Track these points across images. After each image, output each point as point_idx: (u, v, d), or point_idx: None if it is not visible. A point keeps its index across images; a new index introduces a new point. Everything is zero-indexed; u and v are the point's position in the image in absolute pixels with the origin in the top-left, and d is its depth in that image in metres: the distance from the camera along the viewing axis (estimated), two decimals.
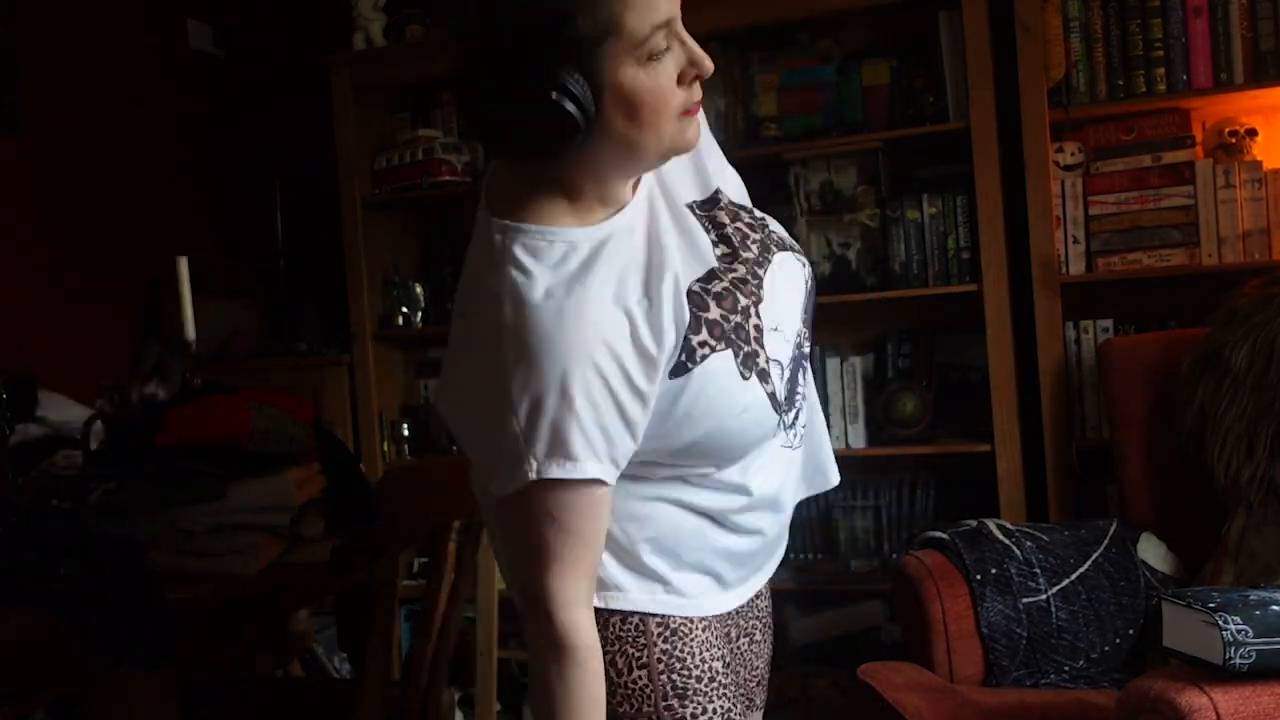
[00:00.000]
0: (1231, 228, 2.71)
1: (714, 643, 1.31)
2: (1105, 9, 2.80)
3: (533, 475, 1.13)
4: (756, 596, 1.41)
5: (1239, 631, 1.62)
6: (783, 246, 1.34)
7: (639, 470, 1.23)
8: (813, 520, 3.20)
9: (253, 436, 1.98)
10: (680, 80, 1.16)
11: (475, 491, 1.34)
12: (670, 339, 1.18)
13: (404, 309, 3.52)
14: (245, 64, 3.96)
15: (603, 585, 1.26)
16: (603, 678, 1.21)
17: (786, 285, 1.32)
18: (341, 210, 3.49)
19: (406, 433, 3.55)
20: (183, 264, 2.47)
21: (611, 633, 1.26)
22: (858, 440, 3.06)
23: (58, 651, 1.68)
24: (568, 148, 1.14)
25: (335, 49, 3.48)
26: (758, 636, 1.42)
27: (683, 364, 1.19)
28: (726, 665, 1.32)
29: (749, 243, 1.30)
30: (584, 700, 1.18)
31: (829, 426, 3.06)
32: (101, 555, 1.72)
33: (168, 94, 3.72)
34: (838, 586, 3.05)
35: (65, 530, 1.77)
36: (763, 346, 1.26)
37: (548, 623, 1.17)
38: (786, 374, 1.30)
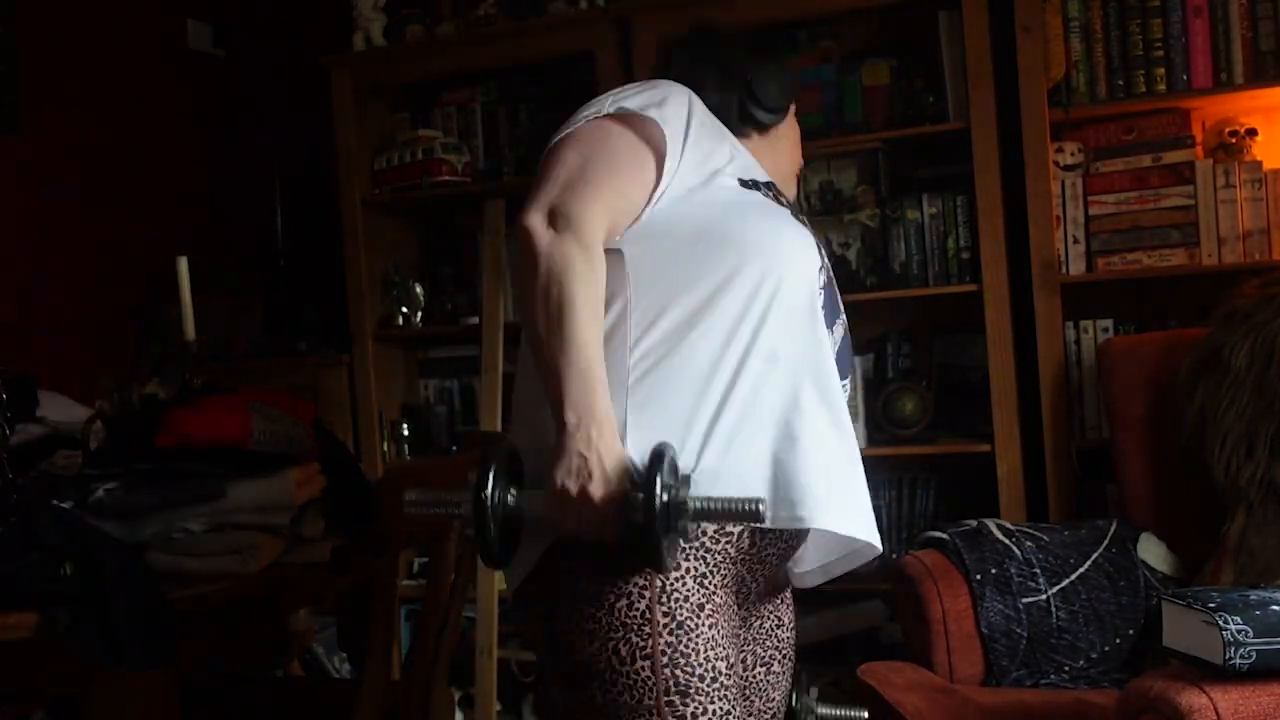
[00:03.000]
0: (1231, 228, 2.71)
1: (719, 641, 1.30)
2: (1105, 9, 2.80)
3: (608, 107, 1.36)
4: (778, 627, 1.41)
5: (1239, 631, 1.62)
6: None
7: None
8: None
9: (253, 436, 1.98)
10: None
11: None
12: (744, 159, 1.46)
13: (404, 309, 3.52)
14: (245, 64, 3.96)
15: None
16: (603, 295, 1.29)
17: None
18: (341, 210, 3.49)
19: (406, 433, 3.55)
20: (183, 264, 2.46)
21: (617, 618, 1.25)
22: (858, 440, 3.05)
23: (58, 651, 1.68)
24: (762, 123, 1.56)
25: (335, 49, 3.47)
26: (775, 668, 1.42)
27: (747, 183, 1.42)
28: (730, 666, 1.32)
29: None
30: (601, 299, 1.27)
31: None
32: (101, 555, 1.72)
33: (168, 94, 3.72)
34: (838, 586, 3.04)
35: (65, 530, 1.76)
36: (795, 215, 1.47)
37: (577, 229, 1.27)
38: (827, 289, 1.43)
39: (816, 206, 3.07)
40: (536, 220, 1.28)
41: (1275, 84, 2.69)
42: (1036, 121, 2.78)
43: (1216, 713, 1.59)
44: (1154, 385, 2.53)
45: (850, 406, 3.10)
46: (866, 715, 1.44)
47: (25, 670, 1.76)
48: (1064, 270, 2.82)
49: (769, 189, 1.45)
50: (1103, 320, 2.86)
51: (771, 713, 1.43)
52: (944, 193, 2.96)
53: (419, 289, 3.53)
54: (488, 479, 1.21)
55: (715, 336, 1.29)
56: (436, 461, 3.30)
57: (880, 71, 3.06)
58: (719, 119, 1.50)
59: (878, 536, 1.38)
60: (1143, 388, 2.55)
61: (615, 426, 1.23)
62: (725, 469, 1.27)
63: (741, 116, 1.53)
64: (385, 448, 3.52)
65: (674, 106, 1.38)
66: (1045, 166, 2.79)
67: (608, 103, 1.37)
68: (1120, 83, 2.80)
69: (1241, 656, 1.62)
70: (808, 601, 3.16)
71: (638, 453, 1.24)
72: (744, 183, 1.41)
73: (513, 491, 1.25)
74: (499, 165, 3.47)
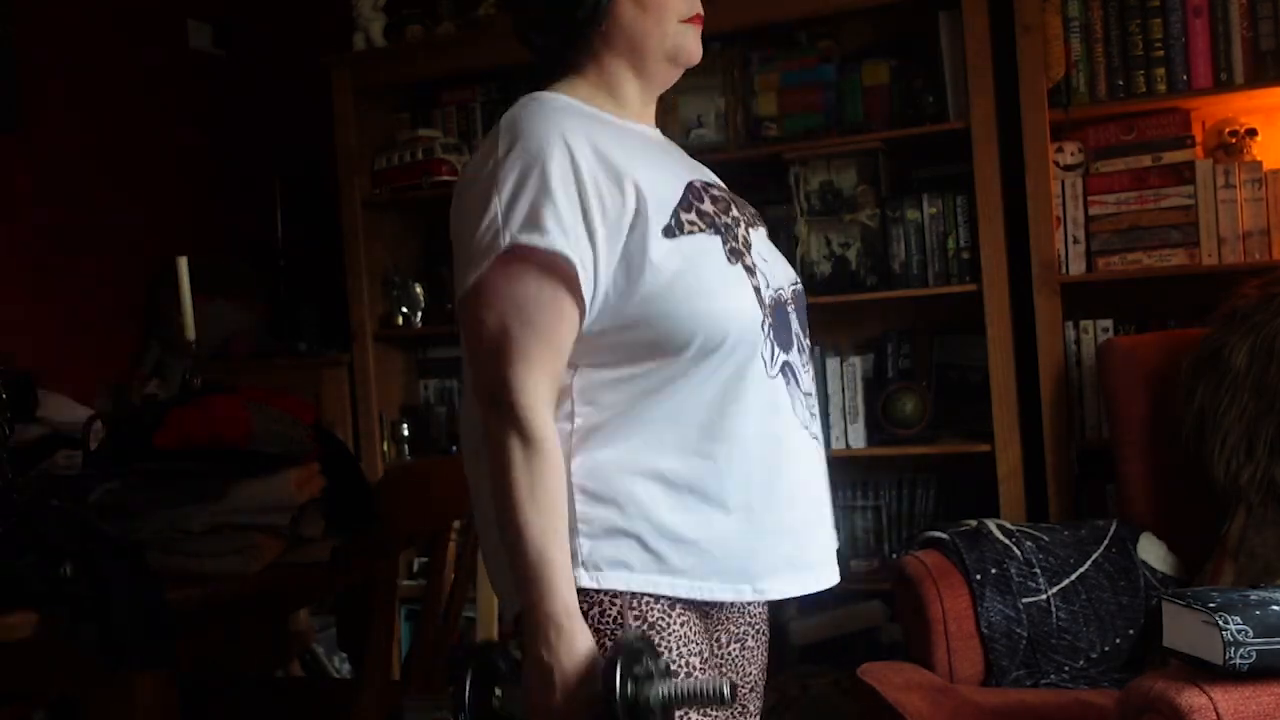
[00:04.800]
0: (1231, 228, 2.71)
1: (692, 637, 1.30)
2: (1105, 9, 2.80)
3: (505, 243, 1.22)
4: (748, 602, 1.40)
5: (1239, 631, 1.62)
6: (758, 224, 1.44)
7: (618, 360, 1.27)
8: None
9: (253, 436, 1.98)
10: None
11: (461, 431, 1.38)
12: (654, 191, 1.27)
13: (404, 309, 3.52)
14: (245, 64, 3.96)
15: (590, 564, 1.26)
16: (563, 472, 1.24)
17: (770, 250, 1.41)
18: (341, 210, 3.49)
19: (406, 433, 3.55)
20: (183, 264, 2.47)
21: (590, 624, 1.25)
22: (858, 440, 3.06)
23: (58, 651, 1.69)
24: (580, 24, 1.33)
25: (335, 49, 3.47)
26: (749, 643, 1.41)
27: (670, 228, 1.27)
28: (704, 661, 1.31)
29: (742, 208, 1.41)
30: (550, 489, 1.22)
31: (828, 426, 3.09)
32: (101, 555, 1.72)
33: (168, 94, 3.72)
34: (838, 586, 3.04)
35: (65, 530, 1.76)
36: (749, 251, 1.33)
37: (512, 416, 1.22)
38: (772, 297, 1.33)
39: (816, 206, 3.07)
40: (480, 402, 1.26)
41: (1275, 84, 2.69)
42: (1036, 121, 2.78)
43: (1216, 713, 1.59)
44: (1154, 385, 2.53)
45: (850, 407, 3.11)
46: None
47: (25, 670, 1.76)
48: (1064, 270, 2.82)
49: (687, 204, 1.30)
50: (1103, 320, 2.86)
51: (749, 686, 1.42)
52: (944, 193, 2.96)
53: (419, 289, 3.53)
54: (463, 695, 1.22)
55: (660, 429, 1.28)
56: (436, 462, 3.30)
57: (880, 71, 3.06)
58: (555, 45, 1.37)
59: (834, 571, 1.41)
60: (1143, 388, 2.55)
61: (575, 617, 1.21)
62: (690, 554, 1.28)
63: (571, 26, 1.34)
64: (385, 448, 3.52)
65: (560, 182, 1.23)
66: (1045, 166, 2.79)
67: (496, 226, 1.23)
68: (1120, 83, 2.80)
69: (1241, 656, 1.62)
70: (807, 602, 3.16)
71: (600, 549, 1.25)
72: (667, 230, 1.26)
73: (498, 693, 1.25)
74: None
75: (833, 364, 3.08)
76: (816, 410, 1.41)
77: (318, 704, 2.38)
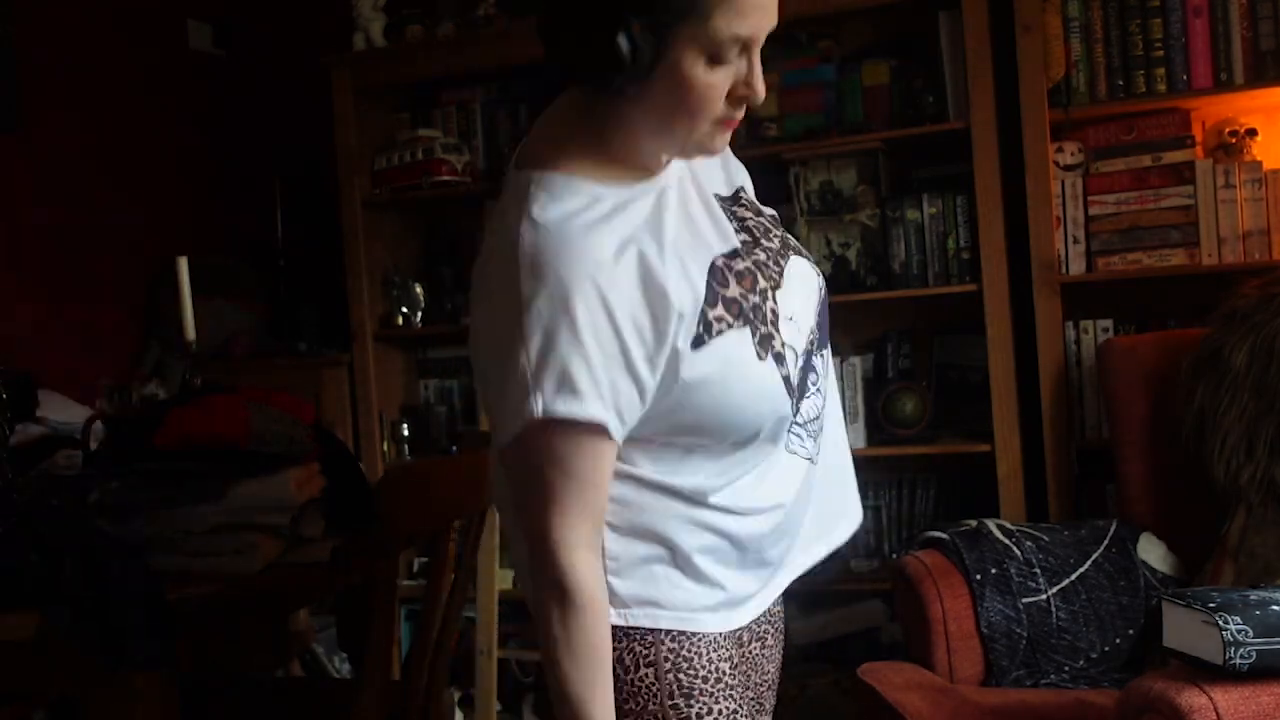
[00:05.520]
0: (1231, 228, 2.71)
1: (722, 643, 1.31)
2: (1105, 9, 2.80)
3: (539, 412, 1.14)
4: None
5: (1239, 631, 1.62)
6: (798, 252, 1.39)
7: (643, 454, 1.24)
8: None
9: (252, 436, 1.98)
10: (730, 94, 1.20)
11: (492, 458, 1.34)
12: (688, 301, 1.19)
13: (404, 309, 3.52)
14: (245, 64, 3.96)
15: (619, 602, 1.26)
16: (605, 621, 1.22)
17: (802, 283, 1.36)
18: (341, 210, 3.49)
19: (406, 433, 3.55)
20: (183, 264, 2.47)
21: (620, 629, 1.26)
22: (858, 440, 3.06)
23: (58, 651, 1.68)
24: (606, 88, 1.18)
25: (335, 49, 3.47)
26: (769, 641, 1.42)
27: (700, 336, 1.20)
28: (734, 666, 1.32)
29: (771, 236, 1.35)
30: (585, 645, 1.20)
31: None
32: (101, 555, 1.72)
33: (168, 94, 3.72)
34: (838, 586, 3.05)
35: (65, 530, 1.76)
36: (778, 330, 1.28)
37: (550, 567, 1.19)
38: (800, 362, 1.31)
39: (816, 206, 3.07)
40: (526, 538, 1.24)
41: (1275, 84, 2.69)
42: (1036, 121, 2.78)
43: (1216, 713, 1.59)
44: (1154, 385, 2.53)
45: (850, 407, 3.12)
46: None
47: (25, 670, 1.76)
48: (1064, 270, 2.82)
49: (713, 298, 1.22)
50: (1103, 320, 2.86)
51: (767, 684, 1.43)
52: (944, 193, 2.96)
53: (419, 289, 3.53)
54: None
55: (675, 506, 1.28)
56: (436, 462, 3.30)
57: (880, 71, 3.06)
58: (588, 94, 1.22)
59: (853, 519, 1.46)
60: (1143, 388, 2.55)
61: None
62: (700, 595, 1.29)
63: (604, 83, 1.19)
64: (385, 448, 3.52)
65: (594, 341, 1.14)
66: (1045, 166, 2.79)
67: (526, 387, 1.15)
68: (1120, 83, 2.80)
69: (1241, 656, 1.62)
70: (808, 602, 3.16)
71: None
72: (696, 340, 1.20)
73: None
74: (499, 165, 3.47)
75: (833, 364, 3.08)
76: (824, 423, 1.40)
77: (318, 704, 2.38)
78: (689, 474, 1.26)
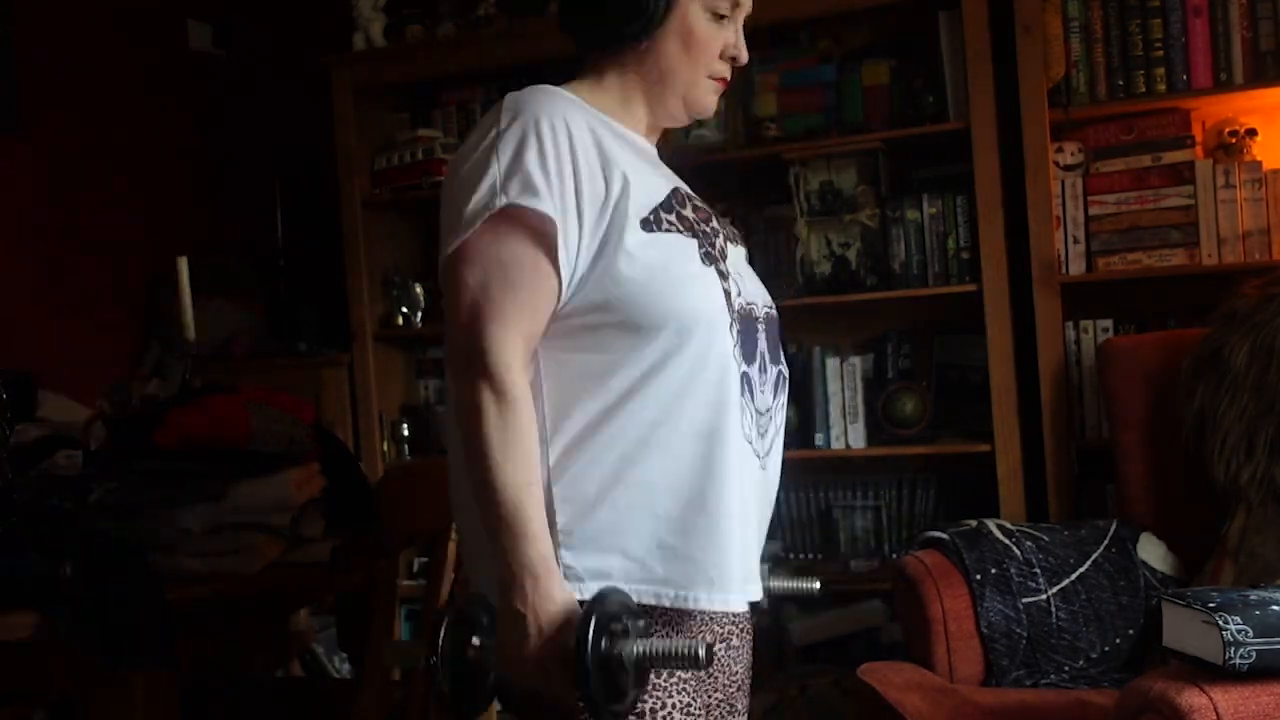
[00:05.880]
0: (1231, 228, 2.71)
1: (674, 637, 1.30)
2: (1105, 9, 2.80)
3: (500, 203, 1.25)
4: None
5: (1239, 631, 1.62)
6: (737, 242, 1.47)
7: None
8: (813, 520, 3.21)
9: (253, 436, 1.98)
10: (722, 54, 1.41)
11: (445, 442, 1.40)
12: (648, 192, 1.31)
13: (404, 309, 3.52)
14: (245, 64, 3.96)
15: (573, 575, 1.26)
16: (534, 426, 1.26)
17: (747, 269, 1.46)
18: (341, 210, 3.49)
19: (406, 433, 3.55)
20: (183, 264, 2.47)
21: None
22: (858, 440, 3.06)
23: (58, 651, 1.68)
24: (633, 38, 1.37)
25: (335, 49, 3.47)
26: (734, 642, 1.41)
27: (649, 220, 1.31)
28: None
29: (723, 225, 1.44)
30: (524, 443, 1.24)
31: (828, 425, 3.09)
32: (101, 555, 1.72)
33: (168, 94, 3.72)
34: (838, 586, 3.05)
35: (65, 530, 1.76)
36: (724, 260, 1.37)
37: (488, 373, 1.24)
38: (742, 312, 1.36)
39: (816, 206, 3.07)
40: (454, 364, 1.28)
41: (1275, 84, 2.69)
42: (1036, 121, 2.78)
43: (1216, 713, 1.59)
44: (1154, 385, 2.53)
45: (850, 407, 3.10)
46: (818, 586, 1.44)
47: (25, 670, 1.76)
48: (1064, 270, 2.82)
49: (669, 207, 1.33)
50: (1103, 320, 2.86)
51: (737, 685, 1.42)
52: (944, 193, 2.96)
53: (419, 289, 3.53)
54: (438, 639, 1.22)
55: (637, 427, 1.28)
56: (437, 462, 3.30)
57: (880, 71, 3.06)
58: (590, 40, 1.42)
59: (757, 589, 1.39)
60: (1143, 388, 2.55)
61: (553, 572, 1.22)
62: (672, 560, 1.29)
63: (607, 36, 1.40)
64: (385, 448, 3.52)
65: (554, 154, 1.27)
66: (1045, 166, 2.79)
67: (494, 188, 1.26)
68: (1120, 83, 2.80)
69: (1241, 656, 1.62)
70: (808, 602, 3.17)
71: (582, 559, 1.26)
72: (645, 223, 1.30)
73: (475, 642, 1.25)
74: None
75: (833, 364, 3.09)
76: (772, 431, 1.40)
77: (318, 704, 2.38)
78: (647, 398, 1.28)
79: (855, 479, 3.14)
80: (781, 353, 1.46)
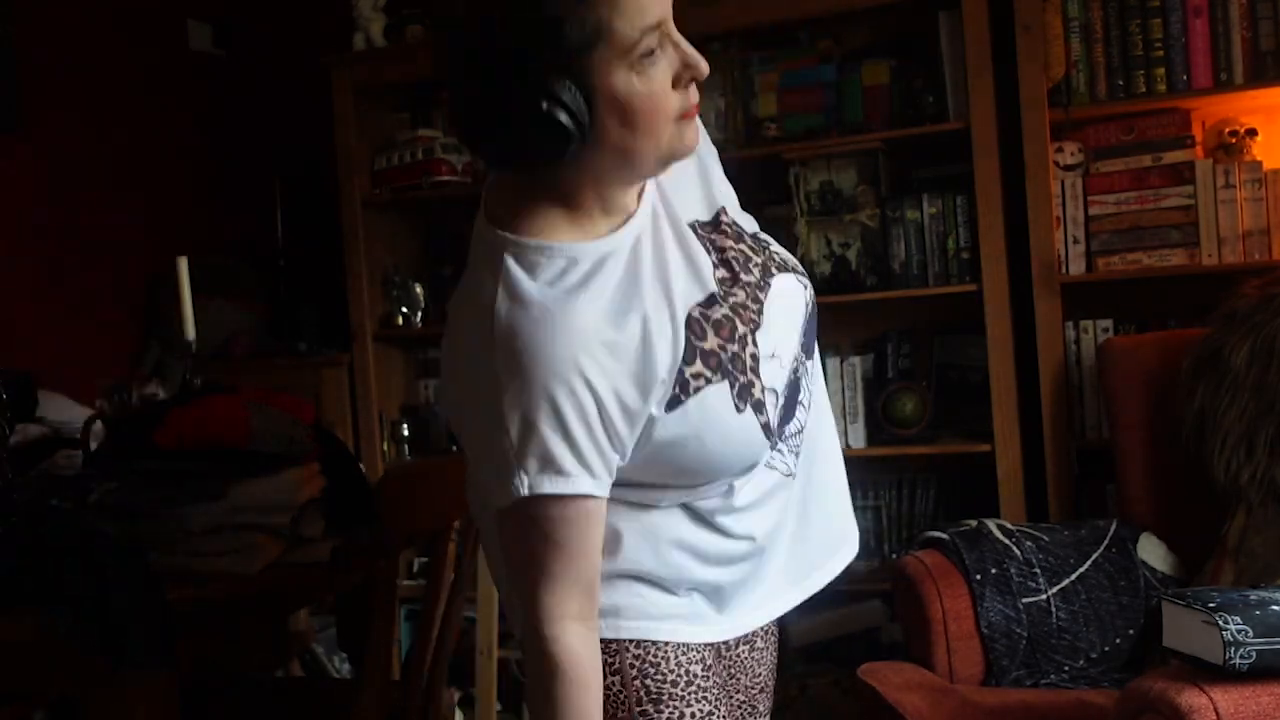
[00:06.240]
0: (1231, 228, 2.71)
1: (692, 645, 1.29)
2: (1105, 9, 2.80)
3: (524, 492, 1.12)
4: None
5: (1239, 631, 1.62)
6: (784, 268, 1.32)
7: (621, 492, 1.21)
8: None
9: (253, 436, 1.98)
10: (675, 84, 1.14)
11: (468, 498, 1.34)
12: (665, 365, 1.16)
13: (404, 309, 3.52)
14: (245, 64, 3.96)
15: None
16: (593, 691, 1.19)
17: (785, 312, 1.30)
18: (341, 210, 3.49)
19: (406, 433, 3.55)
20: (183, 264, 2.47)
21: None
22: (858, 440, 3.06)
23: (58, 651, 1.68)
24: (563, 158, 1.12)
25: (335, 49, 3.47)
26: (759, 644, 1.41)
27: (676, 397, 1.17)
28: (707, 668, 1.30)
29: (751, 266, 1.28)
30: (577, 708, 1.17)
31: None
32: (101, 555, 1.72)
33: (168, 94, 3.72)
34: (838, 586, 3.04)
35: (65, 530, 1.76)
36: (759, 376, 1.24)
37: (539, 639, 1.17)
38: (781, 401, 1.28)
39: (816, 206, 3.07)
40: (525, 630, 1.21)
41: (1275, 84, 2.69)
42: (1036, 121, 2.78)
43: (1216, 713, 1.59)
44: (1154, 385, 2.53)
45: (850, 407, 3.11)
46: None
47: (25, 670, 1.76)
48: (1064, 270, 2.82)
49: (692, 356, 1.18)
50: (1103, 320, 2.86)
51: (759, 687, 1.42)
52: (944, 193, 2.96)
53: (419, 289, 3.53)
54: None
55: (654, 526, 1.27)
56: (436, 462, 3.30)
57: (880, 71, 3.06)
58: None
59: (851, 545, 1.41)
60: (1143, 388, 2.55)
61: None
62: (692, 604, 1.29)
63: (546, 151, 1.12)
64: (385, 448, 3.52)
65: (581, 428, 1.12)
66: (1045, 166, 2.79)
67: (510, 468, 1.12)
68: (1120, 83, 2.80)
69: (1241, 656, 1.62)
70: (808, 602, 3.16)
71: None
72: (671, 402, 1.17)
73: None
74: None
75: (833, 364, 3.09)
76: (823, 411, 1.39)
77: (318, 704, 2.38)
78: (656, 495, 1.26)
79: (855, 479, 3.09)
80: (815, 341, 1.39)
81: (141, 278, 3.55)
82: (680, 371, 1.17)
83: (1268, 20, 2.69)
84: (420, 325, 3.52)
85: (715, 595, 1.31)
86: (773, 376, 1.26)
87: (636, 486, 1.23)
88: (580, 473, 1.13)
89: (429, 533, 2.07)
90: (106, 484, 1.95)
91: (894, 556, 3.01)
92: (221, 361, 3.54)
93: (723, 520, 1.28)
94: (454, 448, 3.50)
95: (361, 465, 2.43)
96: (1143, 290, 2.87)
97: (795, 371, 1.30)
